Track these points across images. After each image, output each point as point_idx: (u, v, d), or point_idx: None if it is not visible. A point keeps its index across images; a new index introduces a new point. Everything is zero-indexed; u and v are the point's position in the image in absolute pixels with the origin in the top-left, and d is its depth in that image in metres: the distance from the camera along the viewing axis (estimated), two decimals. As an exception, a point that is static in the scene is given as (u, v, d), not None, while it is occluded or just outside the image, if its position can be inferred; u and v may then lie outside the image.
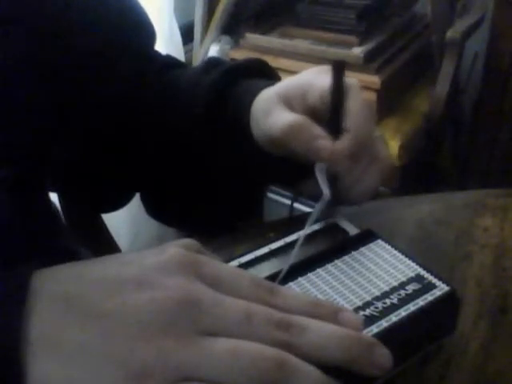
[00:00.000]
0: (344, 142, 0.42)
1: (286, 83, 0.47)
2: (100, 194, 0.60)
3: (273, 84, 0.48)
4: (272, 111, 0.45)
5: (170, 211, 0.59)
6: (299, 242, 0.38)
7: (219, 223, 0.57)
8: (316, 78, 0.45)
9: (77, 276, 0.31)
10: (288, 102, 0.45)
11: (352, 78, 0.45)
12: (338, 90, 0.43)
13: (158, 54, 0.57)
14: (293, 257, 0.38)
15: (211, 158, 0.52)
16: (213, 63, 0.55)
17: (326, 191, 0.40)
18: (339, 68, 0.43)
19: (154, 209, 0.60)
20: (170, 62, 0.58)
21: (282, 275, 0.37)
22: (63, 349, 0.28)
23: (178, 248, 0.32)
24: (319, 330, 0.30)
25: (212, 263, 0.32)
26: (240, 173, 0.51)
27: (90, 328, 0.28)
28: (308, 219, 0.39)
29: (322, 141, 0.42)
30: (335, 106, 0.43)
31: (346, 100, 0.43)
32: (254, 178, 0.52)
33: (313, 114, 0.44)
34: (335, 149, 0.42)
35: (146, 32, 0.55)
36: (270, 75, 0.53)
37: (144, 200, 0.60)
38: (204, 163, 0.52)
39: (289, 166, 0.46)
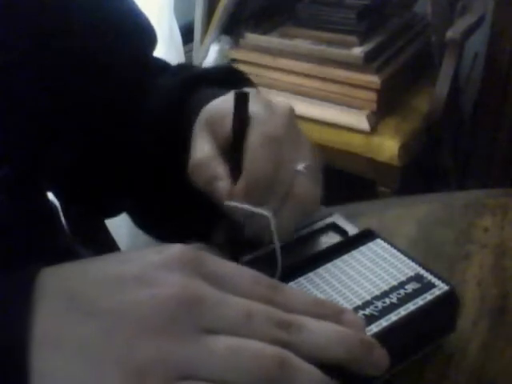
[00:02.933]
0: (240, 184, 0.38)
1: (216, 104, 0.43)
2: (100, 198, 0.60)
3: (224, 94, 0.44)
4: (196, 138, 0.42)
5: (153, 224, 0.58)
6: (279, 261, 0.37)
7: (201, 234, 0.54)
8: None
9: (79, 274, 0.31)
10: (212, 127, 0.42)
11: (272, 106, 0.41)
12: (239, 125, 0.39)
13: (156, 59, 0.57)
14: (279, 266, 0.37)
15: (171, 169, 0.48)
16: (181, 68, 0.54)
17: (263, 211, 0.37)
18: (241, 101, 0.39)
19: (139, 221, 0.59)
20: (163, 66, 0.57)
21: (276, 278, 0.37)
22: (64, 345, 0.28)
23: (178, 245, 0.32)
24: (319, 330, 0.30)
25: (213, 260, 0.32)
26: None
27: (91, 325, 0.28)
28: (274, 239, 0.38)
29: (220, 182, 0.39)
30: (236, 142, 0.39)
31: (247, 136, 0.39)
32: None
33: (227, 143, 0.41)
34: (232, 190, 0.38)
35: (146, 37, 0.55)
36: (244, 83, 0.50)
37: (129, 212, 0.59)
38: (170, 174, 0.49)
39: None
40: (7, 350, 0.27)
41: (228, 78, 0.51)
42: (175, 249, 0.31)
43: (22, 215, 0.44)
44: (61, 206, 0.64)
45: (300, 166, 0.40)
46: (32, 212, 0.47)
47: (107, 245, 0.72)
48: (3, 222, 0.42)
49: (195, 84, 0.49)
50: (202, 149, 0.41)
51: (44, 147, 0.48)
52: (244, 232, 0.39)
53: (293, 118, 0.42)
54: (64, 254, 0.53)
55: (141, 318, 0.28)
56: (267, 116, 0.40)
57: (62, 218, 0.64)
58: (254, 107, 0.40)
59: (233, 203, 0.38)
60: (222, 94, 0.44)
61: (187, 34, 1.55)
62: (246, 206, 0.37)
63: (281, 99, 0.43)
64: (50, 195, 0.57)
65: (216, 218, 0.46)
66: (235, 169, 0.39)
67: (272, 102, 0.42)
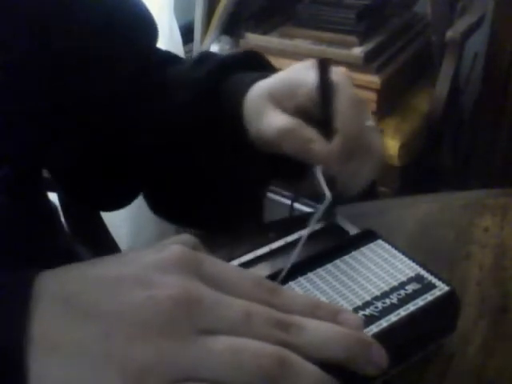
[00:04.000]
0: (336, 144, 0.42)
1: (275, 81, 0.46)
2: (102, 192, 0.60)
3: (266, 77, 0.47)
4: (263, 112, 0.45)
5: (171, 209, 0.59)
6: (301, 242, 0.38)
7: (220, 221, 0.56)
8: (304, 76, 0.44)
9: (77, 276, 0.31)
10: (278, 101, 0.45)
11: (341, 73, 0.45)
12: (325, 89, 0.42)
13: (159, 50, 0.57)
14: (294, 256, 0.37)
15: (208, 155, 0.52)
16: (205, 56, 0.55)
17: (327, 193, 0.40)
18: (324, 66, 0.42)
19: (156, 206, 0.60)
20: (169, 57, 0.58)
21: (283, 274, 0.37)
22: (63, 348, 0.28)
23: (177, 246, 0.32)
24: (318, 330, 0.30)
25: (212, 261, 0.32)
26: (237, 170, 0.51)
27: (89, 327, 0.28)
28: (310, 220, 0.39)
29: (315, 144, 0.42)
30: (323, 106, 0.42)
31: (334, 98, 0.43)
32: (250, 176, 0.51)
33: (304, 113, 0.44)
34: (329, 151, 0.41)
35: (148, 29, 0.55)
36: (265, 67, 0.52)
37: (146, 197, 0.60)
38: (201, 160, 0.52)
39: (285, 164, 0.46)
40: (5, 353, 0.27)
41: (251, 62, 0.53)
42: (174, 250, 0.31)
43: (21, 215, 0.44)
44: (61, 206, 0.65)
45: (370, 123, 0.45)
46: (32, 212, 0.47)
47: (107, 245, 0.72)
48: (3, 222, 0.42)
49: (224, 71, 0.51)
50: (283, 117, 0.44)
51: (44, 147, 0.48)
52: (336, 186, 0.42)
53: (351, 81, 0.46)
54: (64, 254, 0.53)
55: (139, 319, 0.28)
56: (344, 80, 0.44)
57: (62, 218, 0.64)
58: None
59: (318, 172, 0.41)
60: (267, 75, 0.47)
61: (187, 34, 1.55)
62: (321, 181, 0.41)
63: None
64: (50, 195, 0.57)
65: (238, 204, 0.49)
66: (326, 129, 0.42)
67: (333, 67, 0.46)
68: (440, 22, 1.35)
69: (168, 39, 1.45)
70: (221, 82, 0.50)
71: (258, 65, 0.52)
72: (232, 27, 1.52)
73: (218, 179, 0.52)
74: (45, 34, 0.45)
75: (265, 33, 1.46)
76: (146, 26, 0.55)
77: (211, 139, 0.51)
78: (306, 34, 1.42)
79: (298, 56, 1.39)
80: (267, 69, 0.51)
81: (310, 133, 0.42)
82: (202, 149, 0.52)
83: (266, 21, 1.52)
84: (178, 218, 0.59)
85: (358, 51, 1.33)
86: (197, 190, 0.54)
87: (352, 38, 1.36)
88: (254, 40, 1.45)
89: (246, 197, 0.53)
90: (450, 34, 1.30)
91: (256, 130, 0.46)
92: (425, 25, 1.47)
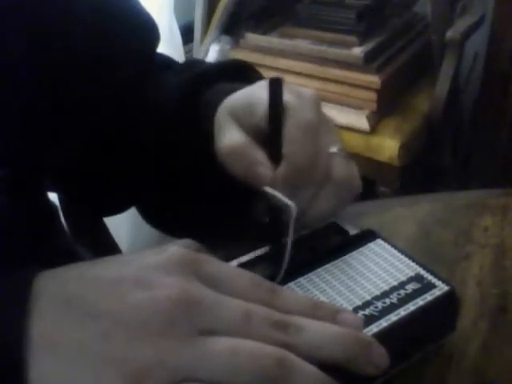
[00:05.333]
0: (281, 171, 0.39)
1: (238, 97, 0.44)
2: (102, 195, 0.60)
3: (239, 89, 0.45)
4: (223, 128, 0.42)
5: (165, 219, 0.58)
6: (287, 253, 0.37)
7: (214, 229, 0.55)
8: (263, 93, 0.41)
9: (77, 277, 0.31)
10: (238, 118, 0.42)
11: (302, 94, 0.42)
12: (275, 111, 0.39)
13: (160, 55, 0.57)
14: (285, 264, 0.37)
15: (187, 165, 0.50)
16: (191, 63, 0.54)
17: (288, 202, 0.38)
18: (276, 86, 0.39)
19: (149, 216, 0.59)
20: (170, 62, 0.57)
21: (278, 279, 0.37)
22: (63, 348, 0.28)
23: (177, 247, 0.32)
24: (317, 330, 0.30)
25: (212, 262, 0.32)
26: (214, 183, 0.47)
27: (89, 328, 0.28)
28: (289, 233, 0.38)
29: (262, 168, 0.39)
30: (272, 129, 0.40)
31: (285, 122, 0.39)
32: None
33: (261, 133, 0.41)
34: (272, 177, 0.39)
35: (150, 34, 0.55)
36: (252, 77, 0.50)
37: (138, 207, 0.60)
38: (187, 166, 0.50)
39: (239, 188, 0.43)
40: (5, 353, 0.27)
41: (238, 72, 0.51)
42: (173, 251, 0.31)
43: (21, 215, 0.44)
44: (61, 206, 0.65)
45: (334, 149, 0.41)
46: (32, 212, 0.47)
47: (107, 245, 0.72)
48: (3, 222, 0.42)
49: (206, 80, 0.49)
50: (236, 136, 0.41)
51: (44, 147, 0.48)
52: (282, 216, 0.39)
53: (319, 102, 0.43)
54: (64, 254, 0.53)
55: (139, 320, 0.28)
56: (299, 102, 0.41)
57: (62, 219, 0.64)
58: (285, 95, 0.40)
59: (269, 190, 0.39)
60: (240, 87, 0.44)
61: (187, 34, 1.55)
62: (277, 194, 0.38)
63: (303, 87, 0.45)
64: (50, 195, 0.57)
65: (224, 212, 0.47)
66: (274, 155, 0.40)
67: (297, 88, 0.43)
68: (440, 22, 1.35)
69: (168, 39, 1.45)
70: (198, 93, 0.48)
71: (245, 75, 0.51)
72: (232, 27, 1.53)
73: (201, 189, 0.51)
74: (45, 34, 0.45)
75: (265, 33, 1.46)
76: (147, 31, 0.55)
77: (187, 149, 0.49)
78: (306, 33, 1.42)
79: (298, 56, 1.39)
80: (254, 79, 0.48)
81: (257, 155, 0.40)
82: (182, 158, 0.50)
83: (266, 21, 1.52)
84: (171, 227, 0.58)
85: (357, 51, 1.33)
86: (184, 199, 0.53)
87: (352, 38, 1.36)
88: (254, 40, 1.45)
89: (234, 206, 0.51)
90: (449, 34, 1.31)
91: (216, 146, 0.43)
92: (425, 25, 1.47)
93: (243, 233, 0.45)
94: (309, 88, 0.44)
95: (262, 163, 0.39)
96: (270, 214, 0.40)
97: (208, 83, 0.49)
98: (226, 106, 0.44)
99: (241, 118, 0.42)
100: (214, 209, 0.51)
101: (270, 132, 0.40)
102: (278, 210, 0.39)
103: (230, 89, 0.45)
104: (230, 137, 0.41)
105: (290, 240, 0.37)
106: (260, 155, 0.40)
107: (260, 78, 0.52)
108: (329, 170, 0.40)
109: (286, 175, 0.39)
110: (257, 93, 0.42)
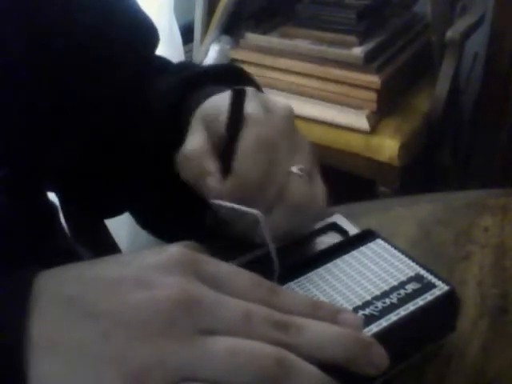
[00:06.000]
0: (228, 185, 0.38)
1: (213, 101, 0.43)
2: (102, 195, 0.60)
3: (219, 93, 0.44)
4: (190, 132, 0.42)
5: (161, 224, 0.58)
6: (275, 258, 0.37)
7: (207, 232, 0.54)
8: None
9: (77, 277, 0.31)
10: (207, 123, 0.41)
11: (269, 107, 0.40)
12: (233, 122, 0.38)
13: (159, 57, 0.57)
14: (276, 266, 0.37)
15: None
16: (182, 66, 0.53)
17: (252, 210, 0.37)
18: (238, 97, 0.38)
19: (145, 221, 0.59)
20: (167, 64, 0.57)
21: (275, 277, 0.37)
22: (62, 348, 0.28)
23: (177, 247, 0.32)
24: (317, 330, 0.30)
25: (212, 262, 0.32)
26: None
27: (89, 328, 0.28)
28: (266, 239, 0.37)
29: (210, 179, 0.38)
30: (229, 140, 0.39)
31: (241, 134, 0.38)
32: None
33: (223, 141, 0.40)
34: (219, 190, 0.38)
35: (148, 35, 0.55)
36: (244, 81, 0.49)
37: (133, 213, 0.59)
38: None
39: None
40: (5, 354, 0.27)
41: (229, 76, 0.51)
42: (174, 250, 0.31)
43: (21, 215, 0.44)
44: (61, 206, 0.65)
45: (294, 168, 0.39)
46: (32, 212, 0.47)
47: (107, 245, 0.72)
48: (3, 222, 0.42)
49: (196, 82, 0.49)
50: (194, 143, 0.40)
51: (44, 147, 0.48)
52: (228, 229, 0.39)
53: (291, 119, 0.42)
54: (64, 254, 0.53)
55: (139, 320, 0.28)
56: (264, 117, 0.40)
57: (62, 219, 0.64)
58: (251, 106, 0.40)
59: (219, 201, 0.38)
60: (221, 91, 0.43)
61: (187, 34, 1.55)
62: (235, 206, 0.37)
63: (281, 99, 0.43)
64: (50, 195, 0.57)
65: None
66: (226, 167, 0.39)
67: (271, 102, 0.42)
68: (440, 22, 1.35)
69: (168, 39, 1.45)
70: (183, 98, 0.48)
71: (235, 79, 0.50)
72: (232, 27, 1.52)
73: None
74: (45, 34, 0.45)
75: (265, 33, 1.46)
76: (146, 33, 0.55)
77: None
78: (306, 33, 1.42)
79: (298, 56, 1.39)
80: (244, 83, 0.46)
81: (209, 165, 0.39)
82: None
83: (266, 21, 1.52)
84: (163, 232, 0.58)
85: (357, 51, 1.33)
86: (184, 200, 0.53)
87: (352, 38, 1.36)
88: (254, 40, 1.45)
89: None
90: (449, 34, 1.31)
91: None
92: (425, 25, 1.47)
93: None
94: (286, 102, 0.42)
95: (212, 173, 0.38)
96: (217, 226, 0.40)
97: (196, 87, 0.48)
98: (202, 110, 0.43)
99: (208, 123, 0.41)
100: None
101: (225, 143, 0.39)
102: (224, 222, 0.38)
103: (211, 92, 0.44)
104: (190, 142, 0.41)
105: (271, 245, 0.37)
106: (211, 165, 0.39)
107: (251, 82, 0.51)
108: (283, 190, 0.39)
109: (233, 189, 0.38)
110: (225, 100, 0.40)
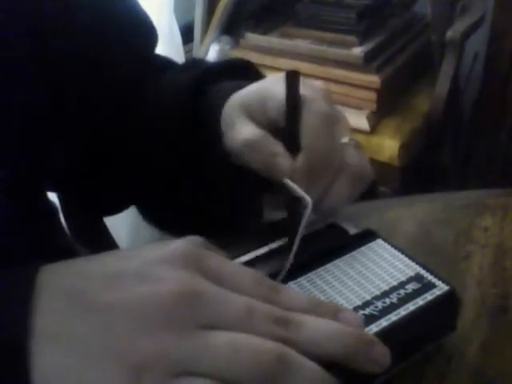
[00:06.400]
0: (300, 161, 0.40)
1: (247, 92, 0.44)
2: (102, 194, 0.60)
3: (244, 86, 0.46)
4: (234, 122, 0.43)
5: (165, 218, 0.58)
6: (295, 248, 0.38)
7: (216, 226, 0.55)
8: (275, 88, 0.42)
9: (79, 270, 0.31)
10: (250, 113, 0.43)
11: (315, 86, 0.43)
12: (292, 103, 0.40)
13: (158, 56, 0.57)
14: (290, 260, 0.38)
15: (191, 164, 0.50)
16: (192, 63, 0.54)
17: (306, 197, 0.38)
18: (293, 79, 0.40)
19: (149, 215, 0.59)
20: (168, 63, 0.57)
21: (281, 276, 0.37)
22: (64, 341, 0.28)
23: (181, 242, 0.32)
24: (318, 327, 0.30)
25: (215, 258, 0.32)
26: (220, 179, 0.49)
27: (91, 321, 0.28)
28: (300, 226, 0.38)
29: (279, 159, 0.40)
30: (289, 121, 0.40)
31: (302, 114, 0.40)
32: (236, 185, 0.48)
33: (274, 126, 0.42)
34: (292, 168, 0.39)
35: (148, 34, 0.55)
36: (254, 75, 0.51)
37: (138, 206, 0.60)
38: (187, 167, 0.51)
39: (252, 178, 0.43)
40: (7, 347, 0.28)
41: (239, 70, 0.52)
42: (177, 245, 0.32)
43: (21, 215, 0.44)
44: (61, 206, 0.65)
45: (346, 139, 0.42)
46: (32, 212, 0.47)
47: (107, 245, 0.72)
48: (3, 222, 0.42)
49: (208, 79, 0.50)
50: (251, 129, 0.42)
51: (44, 147, 0.48)
52: (300, 208, 0.40)
53: (331, 95, 0.44)
54: (64, 254, 0.53)
55: (140, 313, 0.28)
56: (315, 94, 0.42)
57: (62, 219, 0.64)
58: (300, 87, 0.41)
59: (288, 182, 0.39)
60: (245, 84, 0.45)
61: (187, 34, 1.55)
62: (295, 187, 0.39)
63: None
64: (50, 195, 0.57)
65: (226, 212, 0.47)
66: (291, 147, 0.40)
67: (309, 81, 0.44)
68: (440, 22, 1.35)
69: (168, 39, 1.45)
70: (201, 91, 0.49)
71: (246, 73, 0.51)
72: (232, 27, 1.52)
73: (204, 187, 0.51)
74: (45, 34, 0.45)
75: (265, 33, 1.46)
76: (146, 32, 0.55)
77: (192, 148, 0.50)
78: (306, 33, 1.42)
79: (298, 56, 1.39)
80: (257, 78, 0.49)
81: (275, 147, 0.41)
82: (185, 158, 0.51)
83: (266, 21, 1.52)
84: (171, 225, 0.58)
85: (357, 51, 1.33)
86: (183, 196, 0.53)
87: (352, 38, 1.36)
88: (254, 40, 1.45)
89: (239, 200, 0.52)
90: (450, 34, 1.30)
91: (228, 141, 0.44)
92: (425, 25, 1.47)
93: (253, 229, 0.46)
94: (315, 81, 0.45)
95: (281, 155, 0.40)
96: (288, 206, 0.41)
97: (210, 82, 0.49)
98: (235, 102, 0.44)
99: (253, 113, 0.43)
100: (216, 208, 0.51)
101: (287, 124, 0.40)
102: (296, 201, 0.40)
103: (236, 86, 0.46)
104: (245, 130, 0.42)
105: (298, 237, 0.38)
106: (278, 147, 0.41)
107: (261, 75, 0.52)
108: (343, 160, 0.41)
109: (305, 166, 0.40)
110: (268, 87, 0.43)
